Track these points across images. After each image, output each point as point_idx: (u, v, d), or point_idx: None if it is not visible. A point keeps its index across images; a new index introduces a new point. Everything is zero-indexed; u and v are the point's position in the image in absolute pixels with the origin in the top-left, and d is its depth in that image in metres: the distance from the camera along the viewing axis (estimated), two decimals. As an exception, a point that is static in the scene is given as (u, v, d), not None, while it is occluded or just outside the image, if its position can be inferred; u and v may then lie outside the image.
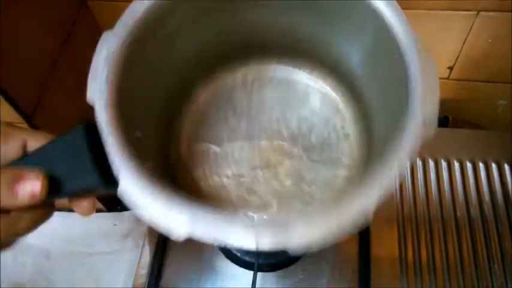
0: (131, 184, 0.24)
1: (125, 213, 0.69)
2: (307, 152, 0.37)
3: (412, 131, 0.25)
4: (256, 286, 0.46)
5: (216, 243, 0.23)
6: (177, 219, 0.23)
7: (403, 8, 0.52)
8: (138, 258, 0.55)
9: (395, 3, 0.29)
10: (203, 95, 0.39)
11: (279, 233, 0.23)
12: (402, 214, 0.55)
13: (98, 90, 0.26)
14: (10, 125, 0.27)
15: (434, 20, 0.55)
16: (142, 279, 0.53)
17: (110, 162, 0.26)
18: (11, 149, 0.27)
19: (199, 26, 0.34)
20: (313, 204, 0.35)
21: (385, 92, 0.33)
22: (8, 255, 0.68)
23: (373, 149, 0.35)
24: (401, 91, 0.27)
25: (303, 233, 0.23)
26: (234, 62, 0.40)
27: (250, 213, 0.35)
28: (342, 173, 0.36)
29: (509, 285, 0.49)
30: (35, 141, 0.27)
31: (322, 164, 0.37)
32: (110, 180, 0.26)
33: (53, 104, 0.51)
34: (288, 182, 0.36)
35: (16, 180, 0.25)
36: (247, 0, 0.34)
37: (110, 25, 0.64)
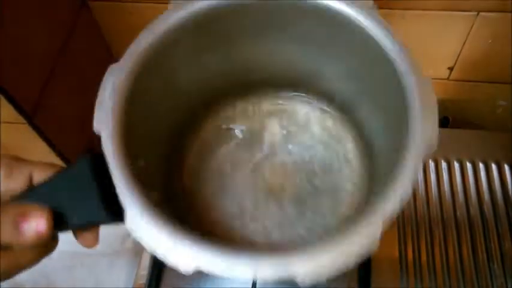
0: (138, 220, 0.25)
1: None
2: (309, 178, 0.38)
3: (413, 156, 0.26)
4: (256, 286, 0.46)
5: (224, 276, 0.24)
6: (184, 254, 0.24)
7: (403, 9, 0.53)
8: (138, 259, 0.55)
9: (392, 32, 0.30)
10: (205, 127, 0.40)
11: (285, 270, 0.23)
12: (402, 214, 0.55)
13: (104, 121, 0.27)
14: (16, 157, 0.27)
15: (434, 20, 0.55)
16: (143, 280, 0.53)
17: (117, 194, 0.26)
18: (17, 182, 0.26)
19: (200, 62, 0.35)
20: (317, 230, 0.35)
21: (385, 117, 0.33)
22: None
23: (375, 173, 0.35)
24: (400, 116, 0.28)
25: (308, 267, 0.23)
26: (235, 94, 0.41)
27: (254, 240, 0.35)
28: (345, 198, 0.37)
29: (509, 286, 0.49)
30: (40, 173, 0.27)
31: (325, 190, 0.37)
32: (117, 212, 0.26)
33: (54, 104, 0.52)
34: (290, 209, 0.37)
35: (21, 217, 0.24)
36: (245, 36, 0.35)
37: (110, 26, 0.64)
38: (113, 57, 0.64)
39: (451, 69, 0.62)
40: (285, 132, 0.40)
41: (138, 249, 0.65)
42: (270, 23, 0.34)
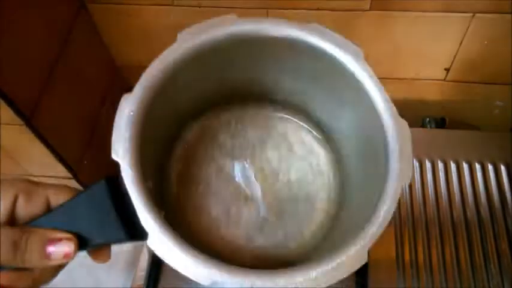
0: (161, 242, 0.28)
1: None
2: (287, 187, 0.42)
3: (393, 187, 0.31)
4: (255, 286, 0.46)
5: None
6: (201, 272, 0.27)
7: (400, 10, 0.53)
8: (136, 260, 0.55)
9: (376, 79, 0.34)
10: (191, 138, 0.43)
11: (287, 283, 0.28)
12: (399, 215, 0.55)
13: (122, 151, 0.29)
14: (33, 182, 0.28)
15: (431, 21, 0.55)
16: (141, 281, 0.53)
17: (137, 217, 0.28)
18: (36, 206, 0.28)
19: (197, 85, 0.39)
20: (295, 235, 0.39)
21: (361, 146, 0.38)
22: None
23: (347, 189, 0.40)
24: (378, 150, 0.33)
25: (304, 280, 0.28)
26: (220, 105, 0.44)
27: (239, 245, 0.39)
28: (319, 206, 0.41)
29: (505, 285, 0.50)
30: (57, 196, 0.28)
31: (302, 198, 0.41)
32: (134, 231, 0.28)
33: (52, 106, 0.52)
34: (271, 215, 0.40)
35: (48, 242, 0.26)
36: (238, 65, 0.39)
37: (109, 28, 0.64)
38: (111, 59, 0.65)
39: (447, 70, 0.62)
40: (265, 142, 0.43)
41: (136, 250, 0.65)
42: (263, 55, 0.38)
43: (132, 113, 0.30)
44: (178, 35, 0.34)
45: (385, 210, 0.30)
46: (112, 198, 0.28)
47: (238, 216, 0.40)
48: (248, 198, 0.41)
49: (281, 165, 0.42)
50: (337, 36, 0.34)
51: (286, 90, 0.42)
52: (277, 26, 0.35)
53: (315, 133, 0.44)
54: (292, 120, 0.44)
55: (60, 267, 0.28)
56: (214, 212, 0.40)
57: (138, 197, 0.28)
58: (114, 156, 0.29)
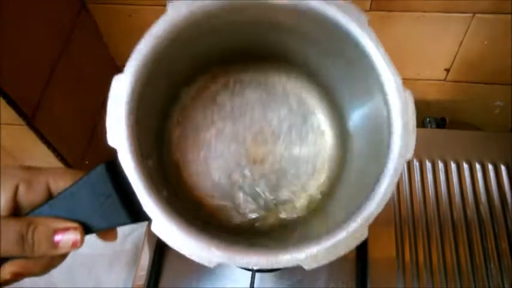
0: (164, 226, 0.27)
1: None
2: (288, 148, 0.41)
3: (395, 163, 0.30)
4: (255, 287, 0.47)
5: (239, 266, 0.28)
6: (206, 254, 0.27)
7: (400, 11, 0.53)
8: (137, 260, 0.55)
9: (380, 43, 0.33)
10: (188, 102, 0.42)
11: (292, 260, 0.28)
12: (399, 214, 0.55)
13: (118, 134, 0.28)
14: (31, 169, 0.28)
15: (431, 22, 0.55)
16: (142, 280, 0.53)
17: (139, 202, 0.27)
18: (37, 194, 0.28)
19: (193, 53, 0.37)
20: (299, 193, 0.39)
21: (365, 114, 0.37)
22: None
23: (349, 153, 0.39)
24: (381, 122, 0.32)
25: (310, 255, 0.28)
26: (215, 68, 0.43)
27: (245, 212, 0.39)
28: (321, 165, 0.40)
29: (505, 285, 0.50)
30: (57, 181, 0.28)
31: (303, 159, 0.41)
32: (138, 213, 0.28)
33: (53, 106, 0.52)
34: (273, 177, 0.40)
35: (56, 232, 0.26)
36: (235, 33, 0.37)
37: (109, 28, 0.65)
38: (112, 59, 0.65)
39: (447, 70, 0.62)
40: (264, 104, 0.42)
41: (137, 250, 0.65)
42: (262, 20, 0.36)
43: (124, 94, 0.29)
44: (169, 4, 0.32)
45: (386, 186, 0.29)
46: (112, 182, 0.28)
47: (241, 179, 0.40)
48: (250, 161, 0.40)
49: (282, 126, 0.41)
50: (340, 1, 0.32)
51: (288, 52, 0.41)
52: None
53: (316, 94, 0.43)
54: (293, 80, 0.43)
55: (67, 254, 0.29)
56: (216, 176, 0.39)
57: (137, 181, 0.27)
58: (110, 141, 0.28)
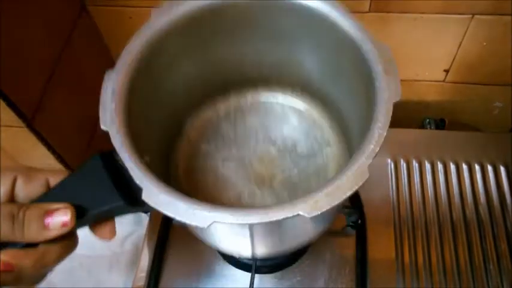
0: (155, 193, 0.27)
1: (124, 216, 0.69)
2: (296, 164, 0.42)
3: (385, 102, 0.30)
4: (254, 287, 0.47)
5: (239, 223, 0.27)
6: (199, 214, 0.26)
7: (398, 12, 0.53)
8: (137, 261, 0.55)
9: (347, 11, 0.34)
10: (192, 131, 0.44)
11: (291, 211, 0.26)
12: (399, 215, 0.55)
13: (109, 121, 0.30)
14: (32, 168, 0.29)
15: (430, 23, 0.55)
16: (142, 282, 0.53)
17: (130, 175, 0.28)
18: (36, 187, 0.28)
19: (182, 65, 0.39)
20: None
21: (354, 89, 0.37)
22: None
23: (353, 149, 0.38)
24: (367, 82, 0.32)
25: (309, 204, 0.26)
26: (216, 97, 0.45)
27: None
28: (330, 175, 0.40)
29: (504, 286, 0.50)
30: (56, 179, 0.29)
31: (313, 172, 0.41)
32: (131, 199, 0.28)
33: (53, 108, 0.52)
34: (284, 194, 0.40)
35: (46, 214, 0.26)
36: (222, 36, 0.39)
37: (109, 30, 0.65)
38: (112, 61, 0.65)
39: (446, 71, 0.62)
40: (266, 126, 0.44)
41: (137, 251, 0.65)
42: (239, 21, 0.37)
43: (114, 87, 0.32)
44: (152, 13, 0.34)
45: (380, 127, 0.29)
46: (107, 170, 0.29)
47: (252, 199, 0.40)
48: (259, 182, 0.41)
49: (286, 143, 0.42)
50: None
51: (274, 60, 0.42)
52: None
53: (313, 104, 0.43)
54: (288, 97, 0.44)
55: (65, 249, 0.28)
56: (226, 200, 0.40)
57: (128, 158, 0.28)
58: (102, 126, 0.30)
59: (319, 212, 0.26)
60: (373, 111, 0.30)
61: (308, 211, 0.26)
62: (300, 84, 0.43)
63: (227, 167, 0.42)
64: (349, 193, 0.27)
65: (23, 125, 0.47)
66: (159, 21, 0.34)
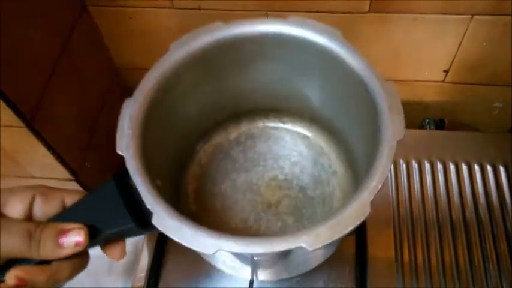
0: (164, 219, 0.29)
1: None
2: (302, 191, 0.43)
3: (388, 141, 0.31)
4: (254, 287, 0.47)
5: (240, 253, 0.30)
6: (205, 241, 0.28)
7: (398, 13, 0.54)
8: (137, 261, 0.55)
9: (357, 51, 0.35)
10: (204, 156, 0.46)
11: (293, 243, 0.28)
12: (398, 215, 0.55)
13: (125, 146, 0.32)
14: (48, 187, 0.30)
15: (430, 23, 0.55)
16: (141, 282, 0.53)
17: (141, 205, 0.30)
18: (52, 206, 0.30)
19: (198, 92, 0.41)
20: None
21: (360, 123, 0.38)
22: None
23: (359, 179, 0.39)
24: (372, 118, 0.33)
25: (311, 237, 0.27)
26: (228, 124, 0.47)
27: None
28: (336, 204, 0.42)
29: (504, 286, 0.50)
30: (71, 199, 0.30)
31: (318, 199, 0.42)
32: (142, 221, 0.30)
33: (53, 108, 0.52)
34: (290, 220, 0.42)
35: (61, 233, 0.28)
36: (233, 69, 0.41)
37: (110, 30, 0.65)
38: (111, 60, 0.65)
39: (446, 71, 0.62)
40: (275, 153, 0.45)
41: (136, 251, 0.65)
42: (255, 54, 0.39)
43: (131, 114, 0.33)
44: (171, 46, 0.36)
45: (383, 164, 0.30)
46: (120, 192, 0.30)
47: (257, 223, 0.42)
48: (265, 206, 0.42)
49: (294, 170, 0.44)
50: (315, 23, 0.36)
51: (285, 91, 0.43)
52: (257, 23, 0.37)
53: (321, 133, 0.45)
54: (297, 126, 0.46)
55: (77, 267, 0.30)
56: (232, 224, 0.41)
57: (142, 182, 0.30)
58: (118, 151, 0.32)
59: (320, 246, 0.27)
60: (377, 149, 0.31)
61: (310, 244, 0.27)
62: (309, 115, 0.45)
63: (235, 191, 0.44)
64: (350, 228, 0.28)
65: (22, 125, 0.47)
66: (177, 53, 0.36)
